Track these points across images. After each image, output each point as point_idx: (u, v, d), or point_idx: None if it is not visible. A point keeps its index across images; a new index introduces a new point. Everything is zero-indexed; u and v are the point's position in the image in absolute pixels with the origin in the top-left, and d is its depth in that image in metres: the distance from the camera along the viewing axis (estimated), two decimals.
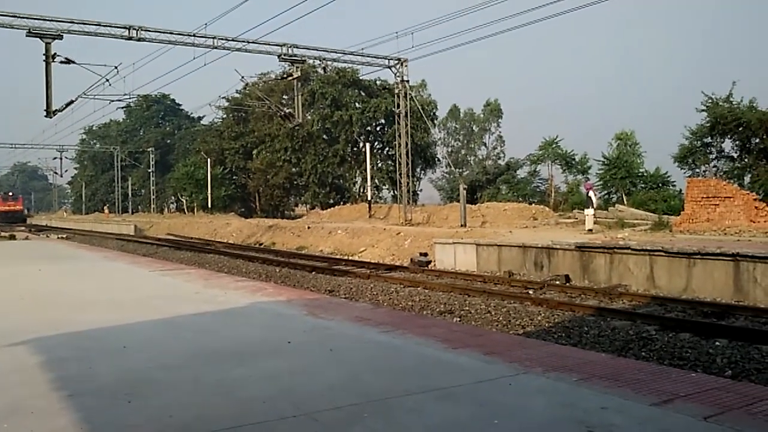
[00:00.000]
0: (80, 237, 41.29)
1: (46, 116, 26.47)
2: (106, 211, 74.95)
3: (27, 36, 24.69)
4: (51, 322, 7.36)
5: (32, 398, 4.47)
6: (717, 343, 9.42)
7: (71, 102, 28.32)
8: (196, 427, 3.87)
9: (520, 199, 45.25)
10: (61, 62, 25.48)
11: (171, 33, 27.14)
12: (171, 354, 5.77)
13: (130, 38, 26.23)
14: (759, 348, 9.06)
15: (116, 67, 27.74)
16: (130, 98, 34.91)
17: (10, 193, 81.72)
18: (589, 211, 22.59)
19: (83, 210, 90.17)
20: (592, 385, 4.57)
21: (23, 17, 24.71)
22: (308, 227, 33.80)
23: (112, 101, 32.84)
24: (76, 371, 5.22)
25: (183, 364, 5.40)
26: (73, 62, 25.78)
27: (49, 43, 25.00)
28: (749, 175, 31.87)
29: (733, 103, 32.99)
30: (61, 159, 71.08)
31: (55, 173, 78.07)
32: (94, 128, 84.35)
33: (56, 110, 26.76)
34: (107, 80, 28.09)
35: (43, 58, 25.05)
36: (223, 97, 57.13)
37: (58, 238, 35.44)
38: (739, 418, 3.83)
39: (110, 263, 15.93)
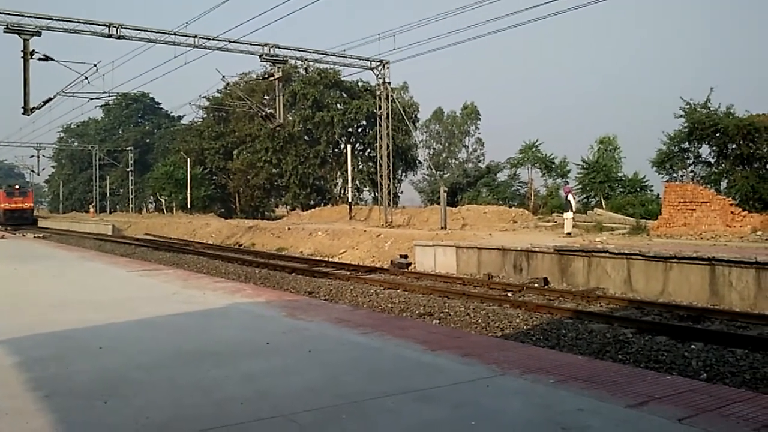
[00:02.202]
0: (57, 236, 40.85)
1: (23, 114, 26.19)
2: (92, 210, 72.72)
3: (4, 32, 24.42)
4: (26, 322, 7.28)
5: (7, 399, 4.42)
6: (692, 347, 9.54)
7: (49, 99, 28.06)
8: (173, 428, 3.85)
9: (500, 202, 45.47)
10: (40, 59, 25.23)
11: (151, 31, 26.95)
12: (148, 354, 5.73)
13: (109, 36, 26.01)
14: (733, 351, 9.19)
15: (95, 65, 27.55)
16: (109, 96, 34.55)
17: (17, 186, 64.75)
18: (568, 215, 22.74)
19: (60, 209, 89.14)
20: (569, 387, 4.61)
21: (1, 13, 24.40)
22: (288, 228, 33.70)
23: (91, 99, 32.60)
24: (52, 372, 5.17)
25: (160, 365, 5.37)
26: (52, 59, 25.54)
27: (27, 40, 24.72)
28: (726, 181, 32.24)
29: (711, 109, 33.38)
30: (38, 157, 70.06)
31: (32, 171, 76.31)
32: (72, 126, 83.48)
33: (34, 108, 26.47)
34: (86, 78, 27.91)
35: (21, 54, 24.77)
36: (203, 97, 56.79)
37: (34, 237, 35.02)
38: (712, 419, 3.89)
39: (87, 263, 15.77)
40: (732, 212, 21.17)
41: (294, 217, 49.14)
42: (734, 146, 31.60)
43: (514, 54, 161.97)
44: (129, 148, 72.49)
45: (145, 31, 26.81)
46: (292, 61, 34.65)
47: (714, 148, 33.06)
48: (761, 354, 9.03)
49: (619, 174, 41.08)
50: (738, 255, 13.62)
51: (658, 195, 35.09)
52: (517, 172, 50.16)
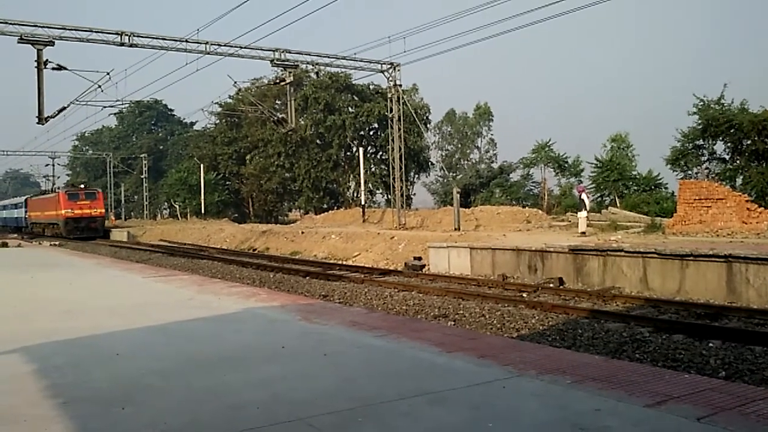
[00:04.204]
0: (73, 244, 41.13)
1: (38, 123, 26.38)
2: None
3: (18, 42, 24.64)
4: (44, 329, 7.34)
5: (25, 406, 4.45)
6: (710, 345, 9.46)
7: (63, 108, 28.27)
8: None
9: (514, 202, 45.41)
10: (53, 69, 25.43)
11: (163, 38, 27.11)
12: (164, 360, 5.76)
13: (122, 44, 26.20)
14: (752, 349, 9.10)
15: (108, 73, 27.73)
16: (122, 104, 34.85)
17: (82, 185, 52.09)
18: (582, 214, 22.63)
19: None
20: (586, 387, 4.59)
21: (15, 24, 24.64)
22: (302, 232, 33.76)
23: (105, 107, 32.81)
24: (69, 379, 5.21)
25: (176, 371, 5.40)
26: (65, 68, 25.74)
27: (41, 50, 24.93)
28: (741, 177, 31.96)
29: (725, 105, 33.11)
30: (53, 165, 70.50)
31: (48, 180, 76.75)
32: (86, 134, 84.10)
33: (48, 117, 26.69)
34: (99, 86, 28.06)
35: (35, 64, 25.00)
36: (215, 103, 57.11)
37: (50, 245, 35.31)
38: (732, 418, 3.85)
39: (103, 270, 15.88)
40: (748, 209, 20.97)
41: (307, 220, 49.22)
42: (749, 142, 31.31)
43: (524, 53, 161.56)
44: (143, 155, 72.78)
45: (157, 38, 26.99)
46: (303, 66, 34.71)
47: (728, 144, 32.78)
48: None
49: (633, 172, 40.85)
50: (755, 252, 13.49)
51: (672, 193, 34.84)
52: (530, 172, 50.17)
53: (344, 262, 24.69)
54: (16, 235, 51.13)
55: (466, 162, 64.89)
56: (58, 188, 53.12)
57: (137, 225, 58.02)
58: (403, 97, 33.46)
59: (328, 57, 31.49)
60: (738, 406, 4.08)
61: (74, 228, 46.76)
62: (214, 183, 60.88)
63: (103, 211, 50.32)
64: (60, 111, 28.00)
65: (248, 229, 40.89)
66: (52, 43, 25.12)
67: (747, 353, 8.92)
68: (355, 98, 54.25)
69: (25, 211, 59.29)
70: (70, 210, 47.28)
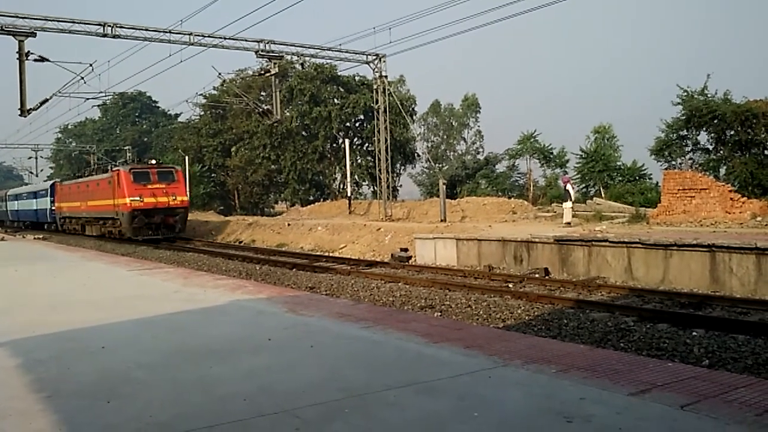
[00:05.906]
0: (57, 237, 40.81)
1: (20, 115, 26.17)
2: None
3: None
4: (28, 323, 7.28)
5: (9, 400, 4.42)
6: (694, 333, 9.55)
7: (46, 100, 28.07)
8: (175, 426, 3.86)
9: (500, 193, 45.49)
10: (35, 60, 25.19)
11: (146, 29, 26.86)
12: (150, 353, 5.74)
13: (105, 35, 25.93)
14: (735, 337, 9.20)
15: (91, 65, 27.49)
16: (105, 96, 34.57)
17: (153, 162, 36.31)
18: (568, 205, 22.73)
19: None
20: (571, 376, 4.62)
21: None
22: (288, 224, 33.69)
23: (88, 99, 32.60)
24: (54, 372, 5.17)
25: (162, 363, 5.38)
26: (48, 60, 25.50)
27: (23, 41, 24.66)
28: (724, 167, 32.19)
29: (708, 95, 33.27)
30: (36, 158, 69.95)
31: (31, 173, 75.89)
32: (69, 127, 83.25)
33: (31, 109, 26.45)
34: (82, 78, 27.87)
35: (17, 56, 24.71)
36: (200, 94, 56.75)
37: (34, 238, 34.96)
38: (715, 406, 3.89)
39: (88, 263, 15.77)
40: (731, 198, 21.15)
41: (293, 212, 49.14)
42: (732, 132, 31.53)
43: (510, 45, 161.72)
44: (127, 148, 71.93)
45: (140, 29, 26.73)
46: (288, 57, 34.59)
47: (712, 134, 32.99)
48: (762, 339, 9.04)
49: (618, 163, 41.04)
50: (738, 241, 13.62)
51: (657, 183, 35.06)
52: (515, 163, 50.26)
53: (331, 254, 24.68)
54: (1, 230, 50.29)
55: (452, 153, 64.90)
56: (114, 166, 38.24)
57: None
58: (389, 89, 33.40)
59: (314, 48, 31.38)
60: (721, 394, 4.12)
61: (145, 225, 32.32)
62: (199, 175, 60.52)
63: (186, 199, 34.96)
64: (42, 103, 27.77)
65: (234, 221, 40.75)
66: (33, 34, 24.83)
67: (730, 342, 9.02)
68: (341, 89, 54.05)
69: (52, 201, 46.68)
70: (137, 198, 32.06)
